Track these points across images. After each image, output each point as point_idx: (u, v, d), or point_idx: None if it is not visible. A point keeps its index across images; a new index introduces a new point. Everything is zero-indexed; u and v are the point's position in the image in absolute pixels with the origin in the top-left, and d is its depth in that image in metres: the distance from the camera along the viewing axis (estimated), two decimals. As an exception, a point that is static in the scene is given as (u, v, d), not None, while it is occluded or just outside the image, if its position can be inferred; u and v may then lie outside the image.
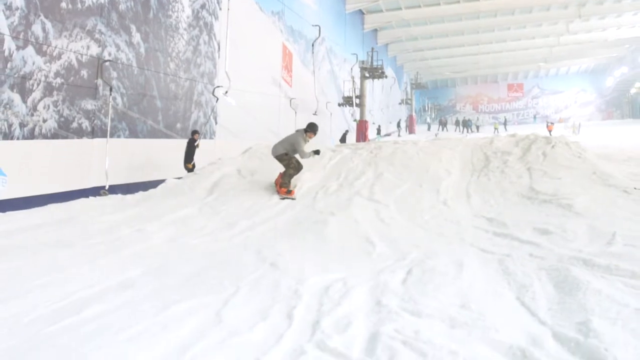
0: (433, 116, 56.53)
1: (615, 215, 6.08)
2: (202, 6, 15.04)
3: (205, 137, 14.61)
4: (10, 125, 8.83)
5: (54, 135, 9.77)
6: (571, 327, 2.99)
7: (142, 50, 12.40)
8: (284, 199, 7.93)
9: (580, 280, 3.69)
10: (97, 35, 10.78)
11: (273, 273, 4.29)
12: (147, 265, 4.61)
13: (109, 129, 11.03)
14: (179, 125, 13.98)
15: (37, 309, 3.46)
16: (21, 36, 8.97)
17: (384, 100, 41.09)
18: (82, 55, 10.38)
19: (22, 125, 9.05)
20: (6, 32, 8.65)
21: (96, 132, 10.84)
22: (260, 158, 10.05)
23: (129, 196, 8.66)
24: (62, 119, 9.94)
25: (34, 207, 7.85)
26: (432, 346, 2.76)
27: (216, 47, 15.74)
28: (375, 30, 37.69)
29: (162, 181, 9.32)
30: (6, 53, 8.69)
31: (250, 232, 6.16)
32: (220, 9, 15.88)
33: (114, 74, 11.37)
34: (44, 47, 9.45)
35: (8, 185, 8.72)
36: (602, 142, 20.26)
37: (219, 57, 15.84)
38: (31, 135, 9.26)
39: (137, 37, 12.17)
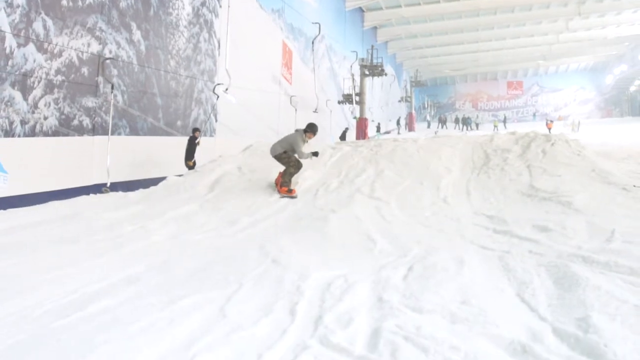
0: (432, 114, 56.56)
1: (614, 212, 6.12)
2: (202, 4, 15.05)
3: (205, 135, 14.63)
4: (11, 123, 8.85)
5: (55, 133, 9.79)
6: (571, 322, 3.03)
7: (143, 47, 12.42)
8: (288, 197, 7.90)
9: (579, 277, 3.73)
10: (97, 33, 10.80)
11: (275, 269, 4.32)
12: (151, 261, 4.64)
13: (110, 126, 11.05)
14: (179, 123, 14.00)
15: (44, 305, 3.49)
16: (22, 34, 8.98)
17: (383, 97, 41.09)
18: (82, 52, 10.39)
19: (23, 122, 9.07)
20: (7, 30, 8.67)
21: (97, 129, 10.86)
22: (261, 156, 10.08)
23: (130, 193, 8.69)
24: (63, 117, 9.96)
25: (35, 204, 7.88)
26: (433, 341, 2.80)
27: (216, 44, 15.75)
28: (375, 28, 37.67)
29: (163, 179, 9.36)
30: (7, 50, 8.70)
31: (252, 228, 6.20)
32: (221, 6, 15.88)
33: (115, 72, 11.39)
34: (45, 45, 9.47)
35: (9, 182, 8.74)
36: (601, 140, 20.30)
37: (219, 54, 15.85)
38: (32, 133, 9.28)
39: (137, 35, 12.19)
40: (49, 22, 9.51)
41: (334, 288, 3.77)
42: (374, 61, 28.22)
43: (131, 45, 11.99)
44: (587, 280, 3.64)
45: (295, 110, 21.89)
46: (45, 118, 9.53)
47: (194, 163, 12.05)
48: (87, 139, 10.63)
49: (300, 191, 8.20)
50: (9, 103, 8.77)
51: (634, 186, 7.41)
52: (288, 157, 8.23)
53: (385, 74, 30.38)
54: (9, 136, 8.81)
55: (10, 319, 3.26)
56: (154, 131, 12.93)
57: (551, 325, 3.03)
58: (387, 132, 39.07)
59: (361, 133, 27.26)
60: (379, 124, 37.11)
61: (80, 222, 6.40)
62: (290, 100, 21.74)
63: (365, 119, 27.83)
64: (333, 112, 27.31)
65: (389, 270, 4.24)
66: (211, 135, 15.47)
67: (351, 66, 29.42)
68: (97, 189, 9.96)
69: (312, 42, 24.73)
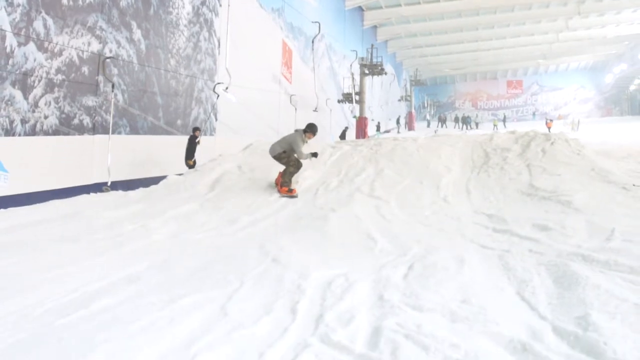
0: (432, 113, 56.57)
1: (614, 211, 6.14)
2: (202, 3, 15.04)
3: (205, 134, 14.63)
4: (11, 122, 8.85)
5: (55, 132, 9.79)
6: (570, 321, 3.04)
7: (143, 46, 12.42)
8: (288, 197, 7.87)
9: (579, 276, 3.74)
10: (98, 32, 10.80)
11: (276, 268, 4.33)
12: (151, 260, 4.65)
13: (111, 125, 11.06)
14: (179, 122, 14.01)
15: (45, 303, 3.50)
16: (23, 33, 8.98)
17: (383, 97, 41.09)
18: (83, 51, 10.39)
19: (23, 121, 9.08)
20: (8, 29, 8.67)
21: (97, 128, 10.86)
22: (261, 154, 10.07)
23: (131, 192, 8.71)
24: (64, 116, 9.97)
25: (35, 203, 7.89)
26: (434, 339, 2.81)
27: (216, 43, 15.75)
28: (375, 27, 37.64)
29: (163, 177, 9.37)
30: (8, 49, 8.70)
31: (252, 227, 6.21)
32: (221, 5, 15.87)
33: (115, 71, 11.39)
34: (46, 44, 9.47)
35: (10, 181, 8.74)
36: (601, 139, 20.30)
37: (219, 53, 15.85)
38: (32, 132, 9.28)
39: (137, 34, 12.19)
40: (50, 21, 9.51)
41: (335, 287, 3.78)
42: (374, 60, 28.24)
43: (131, 44, 11.99)
44: (587, 279, 3.65)
45: (295, 109, 21.89)
46: (46, 117, 9.53)
47: (194, 162, 12.06)
48: (87, 138, 10.63)
49: (300, 190, 8.21)
50: (9, 102, 8.78)
51: (634, 185, 7.42)
52: (288, 156, 8.19)
53: (385, 73, 30.40)
54: (9, 135, 8.82)
55: (11, 317, 3.27)
56: (154, 130, 12.94)
57: (551, 323, 3.04)
58: (387, 131, 39.07)
59: (361, 132, 27.28)
60: (378, 123, 37.12)
61: (80, 221, 6.41)
62: (290, 99, 21.74)
63: (365, 118, 27.84)
64: (333, 111, 27.31)
65: (389, 269, 4.25)
66: (211, 135, 15.47)
67: (351, 65, 29.42)
68: (98, 187, 9.96)
69: (312, 41, 24.73)
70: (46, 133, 9.58)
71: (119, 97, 11.57)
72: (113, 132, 11.19)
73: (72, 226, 6.14)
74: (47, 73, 9.54)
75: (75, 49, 10.19)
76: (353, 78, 27.95)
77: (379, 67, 28.25)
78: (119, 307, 3.46)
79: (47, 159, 9.62)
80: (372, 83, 32.77)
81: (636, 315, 3.06)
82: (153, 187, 8.94)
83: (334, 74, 29.38)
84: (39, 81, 9.37)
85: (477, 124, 47.42)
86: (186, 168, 11.71)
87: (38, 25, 9.28)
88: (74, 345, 2.87)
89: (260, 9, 19.23)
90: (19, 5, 8.86)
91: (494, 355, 2.67)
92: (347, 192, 7.99)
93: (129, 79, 11.96)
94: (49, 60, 9.57)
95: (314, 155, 8.42)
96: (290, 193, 7.98)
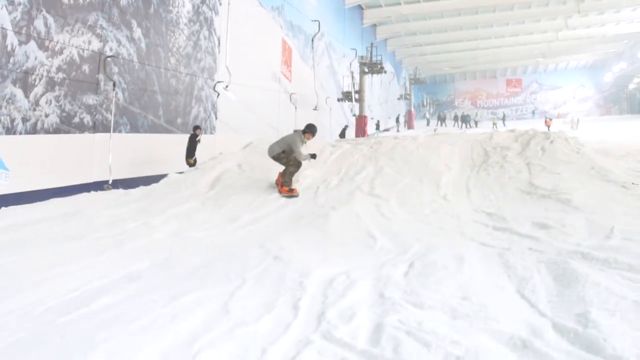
0: (432, 111, 56.56)
1: (613, 209, 6.15)
2: (202, 1, 15.04)
3: (205, 133, 14.64)
4: (12, 120, 8.86)
5: (56, 130, 9.80)
6: (570, 318, 3.06)
7: (143, 45, 12.42)
8: (287, 197, 7.80)
9: (579, 273, 3.76)
10: (98, 30, 10.80)
11: (277, 266, 4.35)
12: (152, 258, 4.67)
13: (112, 124, 11.07)
14: (179, 120, 14.02)
15: (47, 301, 3.52)
16: (23, 31, 8.99)
17: (382, 95, 41.09)
18: (83, 50, 10.40)
19: (24, 120, 9.09)
20: (9, 27, 8.67)
21: (98, 127, 10.88)
22: (261, 153, 10.06)
23: (131, 191, 8.73)
24: (64, 114, 9.98)
25: (36, 201, 7.93)
26: (435, 336, 2.83)
27: (216, 42, 15.75)
28: (374, 26, 37.65)
29: (163, 176, 9.39)
30: (9, 48, 8.71)
31: (253, 225, 6.23)
32: (220, 4, 15.88)
33: (115, 69, 11.40)
34: (46, 42, 9.47)
35: (10, 179, 8.76)
36: (600, 138, 20.35)
37: (219, 52, 15.85)
38: (33, 130, 9.30)
39: (138, 32, 12.19)
40: (50, 20, 9.52)
41: (336, 284, 3.80)
42: (374, 59, 28.20)
43: (132, 43, 12.00)
44: (587, 277, 3.67)
45: (295, 107, 21.90)
46: (47, 115, 9.55)
47: (195, 160, 12.07)
48: (88, 136, 10.64)
49: (300, 189, 8.22)
50: (10, 100, 8.79)
51: (633, 184, 7.44)
52: (287, 156, 8.09)
53: (385, 72, 30.36)
54: (10, 134, 8.83)
55: (12, 316, 3.28)
56: (154, 129, 12.95)
57: (551, 320, 3.07)
58: (387, 130, 39.05)
59: (360, 131, 27.27)
60: (378, 121, 37.10)
61: (81, 220, 6.43)
62: (290, 97, 21.74)
63: (365, 117, 27.83)
64: (332, 109, 27.32)
65: (390, 267, 4.27)
66: (211, 133, 15.48)
67: (350, 64, 29.42)
68: (98, 186, 9.97)
69: (312, 40, 24.73)
70: (47, 131, 9.59)
71: (120, 95, 11.58)
72: (114, 131, 11.20)
73: (73, 224, 6.16)
74: (48, 71, 9.55)
75: (76, 47, 10.20)
76: (353, 76, 27.95)
77: (379, 66, 28.22)
78: (120, 305, 3.48)
79: (47, 157, 9.63)
80: (372, 81, 32.75)
81: (635, 313, 3.08)
82: (154, 185, 8.95)
83: (333, 72, 29.38)
84: (40, 80, 9.38)
85: (476, 123, 47.42)
86: (187, 166, 11.73)
87: (39, 23, 9.29)
88: (75, 343, 2.89)
89: (260, 8, 19.23)
90: (19, 3, 8.86)
91: (495, 352, 2.69)
92: (348, 190, 8.00)
93: (129, 78, 11.97)
94: (50, 59, 9.58)
95: (313, 156, 8.32)
96: (291, 193, 7.91)
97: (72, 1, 10.04)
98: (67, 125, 10.05)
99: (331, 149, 10.60)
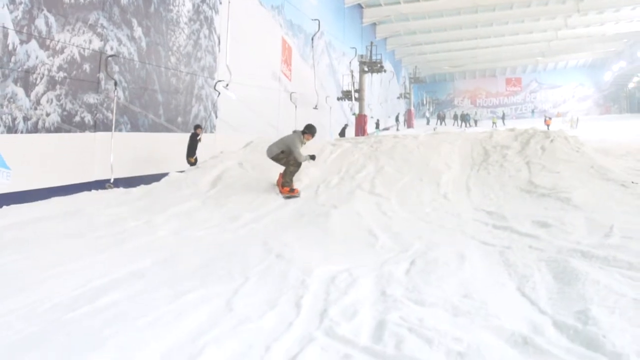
0: (431, 110, 56.57)
1: (612, 208, 6.19)
2: (203, 0, 15.06)
3: (206, 131, 14.65)
4: (14, 119, 8.88)
5: (57, 129, 9.82)
6: (570, 315, 3.09)
7: (144, 44, 12.44)
8: (288, 197, 7.75)
9: (579, 271, 3.80)
10: (99, 30, 10.82)
11: (279, 264, 4.38)
12: (155, 256, 4.70)
13: (113, 123, 11.10)
14: (179, 119, 14.03)
15: (52, 299, 3.54)
16: (25, 30, 9.01)
17: (382, 94, 41.09)
18: (84, 49, 10.42)
19: (25, 119, 9.11)
20: (10, 26, 8.69)
21: (98, 126, 10.89)
22: (261, 152, 10.05)
23: (133, 189, 8.75)
24: (65, 113, 10.00)
25: (37, 200, 7.95)
26: (436, 333, 2.86)
27: (216, 41, 15.76)
28: (374, 24, 37.63)
29: (164, 175, 9.42)
30: (10, 47, 8.72)
31: (255, 224, 6.25)
32: (221, 2, 15.88)
33: (116, 68, 11.41)
34: (47, 41, 9.49)
35: (12, 178, 8.78)
36: (600, 137, 20.35)
37: (219, 51, 15.86)
38: (34, 129, 9.32)
39: (138, 31, 12.21)
40: (51, 19, 9.54)
41: (338, 282, 3.83)
42: (373, 58, 28.20)
43: (132, 42, 12.01)
44: (587, 275, 3.71)
45: (295, 106, 21.91)
46: (48, 114, 9.57)
47: (196, 159, 12.09)
48: (88, 135, 10.66)
49: (301, 187, 8.24)
50: (11, 99, 8.81)
51: (632, 182, 7.48)
52: (286, 156, 8.02)
53: (384, 71, 30.34)
54: (11, 132, 8.85)
55: (15, 314, 3.30)
56: (155, 128, 12.97)
57: (551, 317, 3.10)
58: (386, 129, 39.04)
59: (360, 129, 27.28)
60: (378, 120, 37.09)
61: (82, 218, 6.45)
62: (290, 96, 21.76)
63: (365, 116, 27.83)
64: (332, 108, 27.33)
65: (391, 265, 4.30)
66: (211, 132, 15.50)
67: (350, 63, 29.43)
68: (99, 185, 9.99)
69: (312, 39, 24.73)
70: (48, 130, 9.61)
71: (120, 94, 11.59)
72: (115, 130, 11.22)
73: (74, 223, 6.18)
74: (49, 70, 9.57)
75: (77, 46, 10.22)
76: (352, 75, 27.96)
77: (378, 65, 28.21)
78: (124, 302, 3.50)
79: (48, 156, 9.65)
80: (372, 80, 32.75)
81: (634, 310, 3.12)
82: (154, 184, 8.98)
83: (333, 71, 29.38)
84: (41, 79, 9.40)
85: (476, 122, 47.41)
86: (187, 165, 11.75)
87: (40, 23, 9.31)
88: (82, 339, 2.92)
89: (260, 7, 19.24)
90: (21, 3, 8.88)
91: (496, 349, 2.72)
92: (348, 189, 8.03)
93: (130, 77, 11.99)
94: (51, 58, 9.60)
95: (312, 157, 8.27)
96: (292, 193, 7.87)
97: (73, 0, 10.05)
98: (68, 124, 10.07)
99: (331, 147, 10.62)
